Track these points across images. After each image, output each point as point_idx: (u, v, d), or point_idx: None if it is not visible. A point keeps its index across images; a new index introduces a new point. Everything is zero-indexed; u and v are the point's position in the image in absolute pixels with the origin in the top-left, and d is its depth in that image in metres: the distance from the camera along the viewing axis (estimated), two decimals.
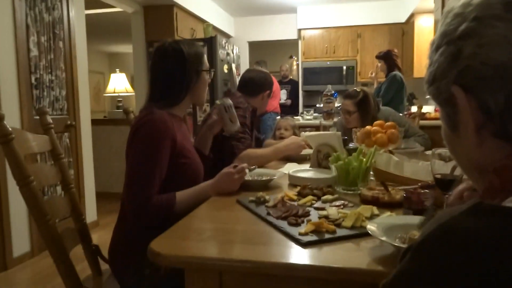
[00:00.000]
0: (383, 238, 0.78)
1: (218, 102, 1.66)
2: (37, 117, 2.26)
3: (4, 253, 2.63)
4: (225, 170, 1.37)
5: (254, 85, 2.17)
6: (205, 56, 1.49)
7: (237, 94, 2.13)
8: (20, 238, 2.78)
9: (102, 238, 2.95)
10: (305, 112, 4.14)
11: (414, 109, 4.23)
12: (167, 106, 1.39)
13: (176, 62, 1.41)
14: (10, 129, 1.08)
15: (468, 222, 0.39)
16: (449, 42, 0.47)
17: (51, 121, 1.43)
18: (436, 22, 4.02)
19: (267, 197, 1.21)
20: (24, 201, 1.14)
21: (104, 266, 1.45)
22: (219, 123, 1.68)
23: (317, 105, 5.60)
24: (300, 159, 2.08)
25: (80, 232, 1.43)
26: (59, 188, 2.99)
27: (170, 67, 1.41)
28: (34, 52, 2.87)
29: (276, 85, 4.93)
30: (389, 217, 0.99)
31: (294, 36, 6.59)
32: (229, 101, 1.66)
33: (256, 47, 7.25)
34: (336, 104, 3.85)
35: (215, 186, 1.35)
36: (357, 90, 2.51)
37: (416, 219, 0.91)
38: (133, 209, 1.24)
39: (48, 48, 3.00)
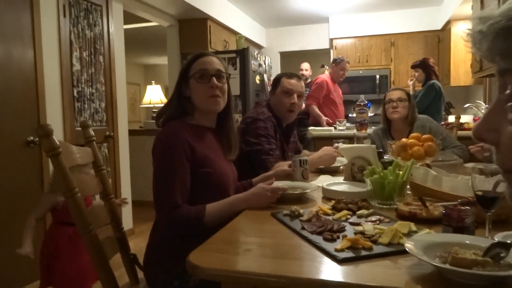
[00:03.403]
0: (423, 258, 0.76)
1: (295, 158, 1.73)
2: (79, 128, 2.36)
3: None
4: (260, 185, 1.36)
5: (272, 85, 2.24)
6: (199, 62, 1.48)
7: (262, 103, 2.17)
8: None
9: (137, 246, 3.03)
10: (337, 122, 4.07)
11: (451, 119, 4.09)
12: (181, 117, 1.46)
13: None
14: (58, 143, 1.14)
15: None
16: None
17: (93, 133, 1.50)
18: None
19: (301, 211, 1.21)
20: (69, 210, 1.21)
21: (142, 274, 1.49)
22: (291, 176, 1.66)
23: (350, 115, 5.52)
24: (333, 171, 2.07)
25: (119, 240, 1.49)
26: (97, 197, 3.11)
27: None
28: (77, 66, 3.02)
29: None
30: (427, 235, 0.97)
31: (326, 45, 6.56)
32: (305, 157, 1.74)
33: (288, 57, 7.27)
34: (370, 114, 3.79)
35: (248, 201, 1.34)
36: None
37: (456, 237, 0.88)
38: (163, 220, 1.30)
39: (89, 63, 3.15)
